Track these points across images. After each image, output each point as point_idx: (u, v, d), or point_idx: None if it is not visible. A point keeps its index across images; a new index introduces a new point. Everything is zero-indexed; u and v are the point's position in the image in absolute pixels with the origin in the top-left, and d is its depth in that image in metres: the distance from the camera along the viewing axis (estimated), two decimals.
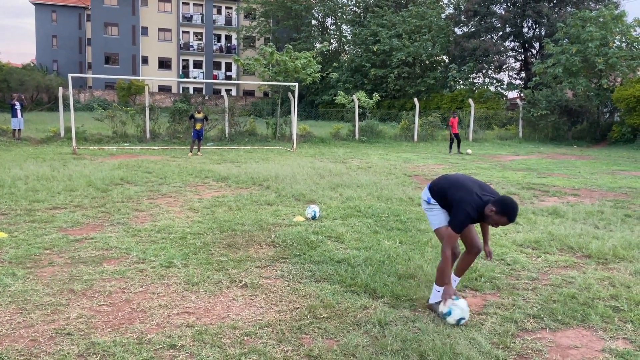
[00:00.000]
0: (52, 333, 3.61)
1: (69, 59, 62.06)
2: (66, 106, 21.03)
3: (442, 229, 4.14)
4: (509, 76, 43.88)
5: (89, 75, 24.31)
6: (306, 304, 4.23)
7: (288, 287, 4.64)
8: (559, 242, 6.28)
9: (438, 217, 4.20)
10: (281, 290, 4.56)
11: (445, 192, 4.11)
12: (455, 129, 20.08)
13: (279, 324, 3.83)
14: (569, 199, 9.62)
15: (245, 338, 3.61)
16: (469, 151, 20.08)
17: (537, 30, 41.25)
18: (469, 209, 3.88)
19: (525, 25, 41.45)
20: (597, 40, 26.44)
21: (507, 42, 42.37)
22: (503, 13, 40.62)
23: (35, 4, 61.88)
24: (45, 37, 62.22)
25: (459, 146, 20.03)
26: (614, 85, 27.87)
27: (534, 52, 42.43)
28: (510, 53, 43.09)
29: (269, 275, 4.97)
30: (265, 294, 4.47)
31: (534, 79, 31.25)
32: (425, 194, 4.32)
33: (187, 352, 3.39)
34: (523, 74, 43.03)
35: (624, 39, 27.98)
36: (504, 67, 42.36)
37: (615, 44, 27.55)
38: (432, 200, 4.22)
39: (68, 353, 3.33)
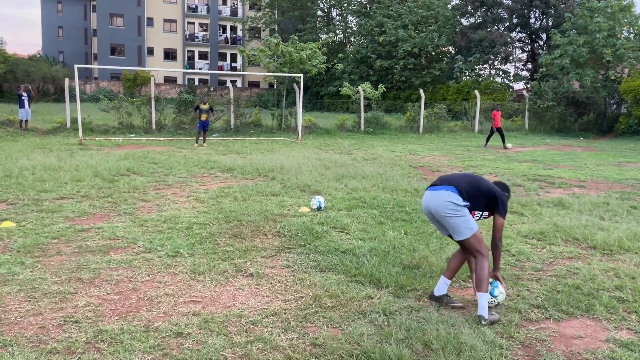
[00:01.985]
0: (60, 321, 3.66)
1: (75, 50, 62.11)
2: (72, 97, 21.06)
3: (477, 234, 3.90)
4: (515, 67, 43.68)
5: (95, 66, 24.38)
6: (311, 293, 4.26)
7: (293, 276, 4.68)
8: (564, 233, 6.27)
9: (471, 221, 3.90)
10: (286, 279, 4.60)
11: (477, 189, 3.98)
12: (498, 122, 19.23)
13: (285, 313, 3.87)
14: (574, 190, 9.60)
15: (251, 326, 3.64)
16: (509, 145, 19.14)
17: (544, 21, 40.95)
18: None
19: (532, 16, 41.15)
20: (605, 31, 26.23)
21: (513, 33, 42.09)
22: (510, 3, 40.30)
23: None
24: (51, 27, 62.25)
25: (503, 141, 19.07)
26: (621, 77, 27.65)
27: (541, 43, 42.16)
28: (517, 44, 42.86)
29: (274, 265, 5.00)
30: (271, 283, 4.50)
31: (540, 70, 31.05)
32: (454, 197, 3.88)
33: (193, 340, 3.43)
34: (530, 65, 42.78)
35: (632, 30, 27.74)
36: (511, 58, 42.12)
37: (623, 35, 27.31)
38: (465, 203, 3.90)
39: (76, 340, 3.37)
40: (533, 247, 5.80)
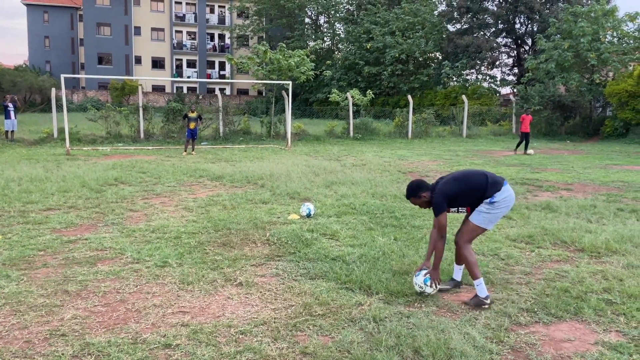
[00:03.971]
0: (46, 334, 3.61)
1: (62, 60, 61.77)
2: (59, 107, 20.94)
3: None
4: (502, 72, 44.06)
5: (82, 75, 24.21)
6: (301, 301, 4.24)
7: (283, 285, 4.65)
8: (552, 236, 6.31)
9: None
10: (276, 288, 4.57)
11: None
12: (527, 127, 18.55)
13: (274, 322, 3.84)
14: (562, 193, 9.67)
15: (241, 336, 3.62)
16: (531, 151, 18.51)
17: (529, 26, 41.38)
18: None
19: (517, 21, 41.57)
20: (589, 36, 26.55)
21: (499, 38, 42.49)
22: (495, 9, 40.73)
23: (26, 4, 61.52)
24: (37, 37, 61.88)
25: (526, 147, 18.51)
26: (606, 80, 27.98)
27: (527, 48, 42.58)
28: (503, 49, 43.25)
29: (263, 273, 4.97)
30: (260, 292, 4.47)
31: (526, 74, 31.34)
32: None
33: (182, 351, 3.39)
34: (516, 70, 43.18)
35: (615, 34, 28.11)
36: (497, 63, 42.48)
37: (607, 39, 27.67)
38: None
39: (62, 354, 3.33)
40: (522, 250, 5.82)
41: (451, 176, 4.48)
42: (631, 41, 27.44)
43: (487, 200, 4.30)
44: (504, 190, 4.32)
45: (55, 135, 19.60)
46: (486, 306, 4.14)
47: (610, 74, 28.38)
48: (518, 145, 18.96)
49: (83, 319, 3.87)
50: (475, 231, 4.37)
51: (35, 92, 45.40)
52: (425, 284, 4.30)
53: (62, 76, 16.61)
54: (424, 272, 4.35)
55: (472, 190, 4.33)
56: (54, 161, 13.61)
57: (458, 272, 4.66)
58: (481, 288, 4.19)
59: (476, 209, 4.37)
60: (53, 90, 20.41)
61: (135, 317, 3.93)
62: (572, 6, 29.34)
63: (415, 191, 4.38)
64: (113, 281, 4.68)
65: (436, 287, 4.34)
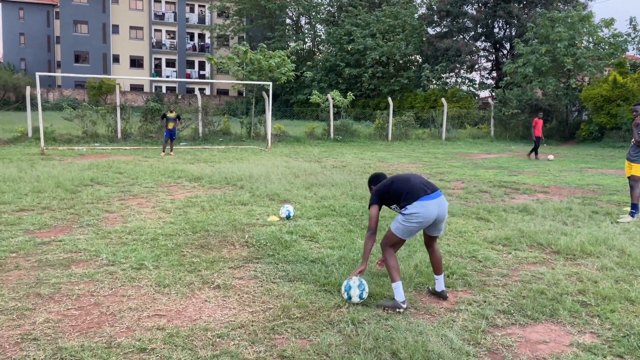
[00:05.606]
0: (17, 338, 3.51)
1: (37, 58, 60.63)
2: (34, 106, 20.52)
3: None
4: (480, 76, 44.57)
5: (58, 74, 23.78)
6: (279, 304, 4.21)
7: (261, 287, 4.62)
8: (529, 238, 6.39)
9: None
10: (254, 290, 4.53)
11: None
12: (539, 131, 18.25)
13: (252, 325, 3.81)
14: (538, 196, 9.80)
15: (217, 340, 3.57)
16: (551, 157, 18.04)
17: (507, 30, 41.95)
18: None
19: (496, 26, 42.10)
20: (566, 41, 27.02)
21: (478, 42, 42.98)
22: (475, 14, 41.20)
23: (1, 1, 60.24)
24: (12, 35, 60.63)
25: (535, 151, 18.20)
26: (581, 85, 28.50)
27: (505, 52, 43.15)
28: (481, 53, 43.76)
29: (242, 275, 4.93)
30: (238, 294, 4.43)
31: (504, 78, 31.75)
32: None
33: (157, 356, 3.33)
34: (494, 74, 43.71)
35: (591, 40, 28.64)
36: (476, 66, 42.97)
37: (583, 44, 28.18)
38: None
39: (34, 359, 3.24)
40: (499, 252, 5.88)
41: (394, 176, 4.49)
42: (606, 47, 27.97)
43: (401, 211, 4.26)
44: (416, 205, 4.14)
45: (30, 134, 19.21)
46: (401, 310, 4.09)
47: (586, 78, 28.90)
48: (533, 150, 18.56)
49: (56, 322, 3.79)
50: (391, 238, 4.29)
51: (10, 90, 44.52)
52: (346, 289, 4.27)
53: (37, 74, 16.30)
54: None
55: (395, 194, 4.29)
56: (28, 161, 13.34)
57: (439, 283, 4.49)
58: (398, 292, 4.14)
59: (397, 216, 4.34)
60: (28, 88, 20.01)
61: (109, 320, 3.86)
62: (550, 11, 29.81)
63: (370, 182, 4.68)
64: (87, 284, 4.59)
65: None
